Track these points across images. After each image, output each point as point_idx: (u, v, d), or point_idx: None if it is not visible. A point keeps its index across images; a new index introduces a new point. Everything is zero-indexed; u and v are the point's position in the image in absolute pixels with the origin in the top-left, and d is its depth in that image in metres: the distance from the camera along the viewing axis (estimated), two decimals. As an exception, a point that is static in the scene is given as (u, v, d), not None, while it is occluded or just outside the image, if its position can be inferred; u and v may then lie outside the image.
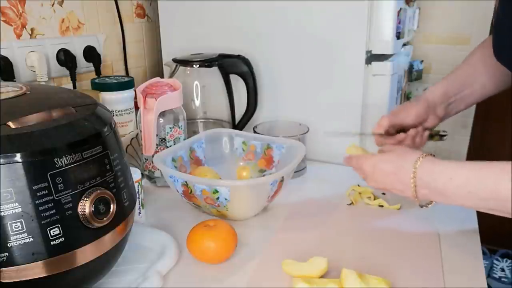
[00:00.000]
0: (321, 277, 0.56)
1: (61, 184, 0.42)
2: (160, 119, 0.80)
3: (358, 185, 0.81)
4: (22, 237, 0.40)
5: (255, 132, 0.91)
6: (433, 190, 0.56)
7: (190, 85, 1.01)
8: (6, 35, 0.87)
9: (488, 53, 0.72)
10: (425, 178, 0.57)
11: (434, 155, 0.58)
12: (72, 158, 0.43)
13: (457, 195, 0.54)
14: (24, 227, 0.40)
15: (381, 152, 0.66)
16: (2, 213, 0.39)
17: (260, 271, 0.59)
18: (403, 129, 0.75)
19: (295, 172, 0.87)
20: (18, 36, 0.89)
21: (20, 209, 0.40)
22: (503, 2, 0.62)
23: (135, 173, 0.65)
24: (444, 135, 0.79)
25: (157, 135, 0.80)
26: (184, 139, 0.85)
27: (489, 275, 1.54)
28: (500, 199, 0.50)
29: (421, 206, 0.65)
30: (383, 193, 0.80)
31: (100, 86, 0.94)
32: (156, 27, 1.21)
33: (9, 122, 0.41)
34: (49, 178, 0.41)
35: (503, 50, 0.64)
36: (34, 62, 0.88)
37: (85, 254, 0.45)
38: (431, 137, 0.77)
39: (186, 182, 0.69)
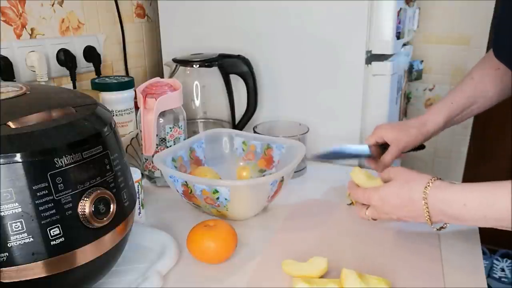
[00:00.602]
0: (321, 277, 0.56)
1: (61, 184, 0.42)
2: (160, 119, 0.80)
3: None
4: (22, 237, 0.40)
5: (255, 132, 0.91)
6: (448, 216, 0.56)
7: (190, 85, 1.01)
8: (6, 35, 0.87)
9: (490, 65, 0.73)
10: (438, 206, 0.56)
11: (440, 178, 0.57)
12: (72, 158, 0.43)
13: (473, 219, 0.53)
14: (24, 227, 0.40)
15: (384, 178, 0.65)
16: (2, 213, 0.39)
17: (260, 271, 0.59)
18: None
19: (295, 172, 0.87)
20: (18, 36, 0.89)
21: (20, 209, 0.40)
22: (503, 2, 0.62)
23: (135, 173, 0.65)
24: (423, 147, 0.79)
25: (157, 135, 0.80)
26: (184, 139, 0.85)
27: (489, 275, 1.54)
28: None
29: (438, 229, 0.63)
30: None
31: (100, 86, 0.94)
32: (156, 27, 1.21)
33: (9, 122, 0.41)
34: (49, 178, 0.41)
35: (503, 49, 0.65)
36: (34, 62, 0.88)
37: (85, 254, 0.45)
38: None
39: (186, 182, 0.69)
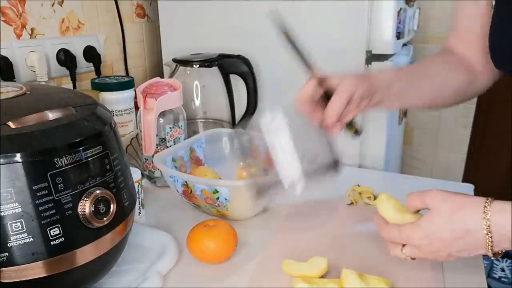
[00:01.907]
0: (321, 277, 0.56)
1: (61, 184, 0.42)
2: (160, 119, 0.80)
3: (358, 185, 0.81)
4: (22, 237, 0.40)
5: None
6: None
7: (190, 85, 1.01)
8: (6, 35, 0.86)
9: (449, 56, 0.70)
10: (502, 233, 0.47)
11: (492, 199, 0.49)
12: (72, 158, 0.43)
13: None
14: (24, 227, 0.40)
15: (414, 206, 0.53)
16: (2, 213, 0.39)
17: (260, 271, 0.59)
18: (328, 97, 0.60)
19: (295, 172, 0.87)
20: (18, 36, 0.89)
21: (20, 209, 0.40)
22: (499, 5, 0.61)
23: (135, 173, 0.65)
24: (360, 132, 0.64)
25: (157, 135, 0.80)
26: (184, 139, 0.85)
27: (489, 275, 1.54)
28: None
29: (495, 256, 0.51)
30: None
31: (100, 86, 0.94)
32: (156, 27, 1.21)
33: (9, 122, 0.41)
34: (49, 178, 0.41)
35: (498, 51, 0.62)
36: (34, 62, 0.88)
37: (85, 254, 0.45)
38: (348, 126, 0.63)
39: (186, 182, 0.69)
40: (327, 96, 0.60)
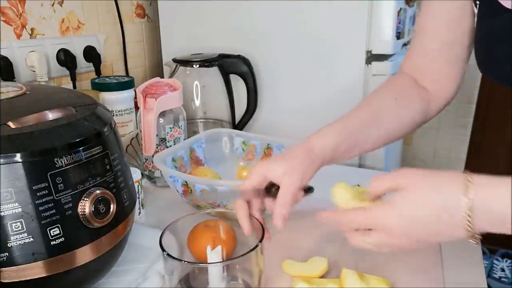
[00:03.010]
0: (321, 277, 0.56)
1: (61, 184, 0.42)
2: (160, 119, 0.80)
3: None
4: (22, 237, 0.40)
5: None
6: (497, 220, 0.41)
7: (190, 85, 1.01)
8: (6, 35, 0.87)
9: (388, 93, 0.64)
10: (484, 209, 0.41)
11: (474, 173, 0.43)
12: (72, 158, 0.43)
13: None
14: (24, 227, 0.40)
15: (383, 189, 0.47)
16: (2, 213, 0.39)
17: (260, 271, 0.59)
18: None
19: (295, 172, 0.87)
20: (18, 36, 0.89)
21: (20, 209, 0.40)
22: (482, 17, 0.55)
23: (135, 173, 0.65)
24: (312, 190, 0.61)
25: (157, 135, 0.80)
26: (184, 139, 0.85)
27: (489, 275, 1.54)
28: None
29: (477, 243, 0.44)
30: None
31: (100, 86, 0.94)
32: (156, 27, 1.21)
33: (9, 122, 0.41)
34: (49, 178, 0.41)
35: (491, 63, 0.57)
36: (34, 62, 0.88)
37: (85, 254, 0.45)
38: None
39: (186, 182, 0.69)
40: (271, 186, 0.57)
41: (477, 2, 0.55)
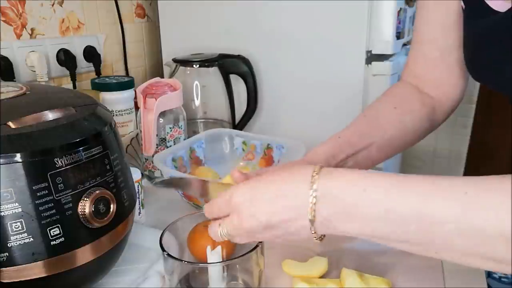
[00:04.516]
0: (321, 277, 0.56)
1: (61, 184, 0.42)
2: (160, 119, 0.80)
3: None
4: (22, 237, 0.40)
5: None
6: (339, 209, 0.38)
7: (190, 85, 1.01)
8: (6, 35, 0.87)
9: (386, 103, 0.63)
10: (327, 193, 0.39)
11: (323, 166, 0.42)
12: (72, 158, 0.43)
13: (369, 214, 0.37)
14: (24, 227, 0.40)
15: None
16: (2, 213, 0.39)
17: (260, 271, 0.59)
18: None
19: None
20: (18, 36, 0.90)
21: (20, 209, 0.40)
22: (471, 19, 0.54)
23: (135, 173, 0.65)
24: None
25: (157, 135, 0.80)
26: (184, 139, 0.85)
27: (489, 275, 1.54)
28: (426, 222, 0.35)
29: (319, 239, 0.42)
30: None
31: (100, 86, 0.94)
32: (156, 27, 1.21)
33: (9, 122, 0.41)
34: (49, 178, 0.41)
35: (479, 66, 0.56)
36: (34, 62, 0.88)
37: (85, 254, 0.45)
38: None
39: (186, 182, 0.68)
40: None
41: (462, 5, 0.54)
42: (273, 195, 0.41)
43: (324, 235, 0.42)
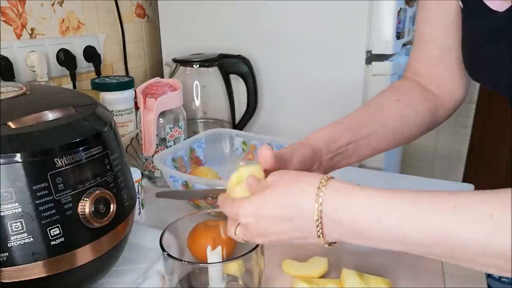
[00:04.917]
0: (321, 277, 0.56)
1: (61, 184, 0.42)
2: (160, 119, 0.80)
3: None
4: (22, 237, 0.40)
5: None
6: (350, 232, 0.39)
7: (190, 85, 1.01)
8: (6, 35, 0.87)
9: (389, 95, 0.63)
10: (336, 218, 0.38)
11: (333, 178, 0.41)
12: (72, 158, 0.43)
13: (387, 238, 0.37)
14: (24, 227, 0.40)
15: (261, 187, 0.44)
16: (2, 213, 0.39)
17: (260, 271, 0.59)
18: None
19: (295, 172, 0.87)
20: (18, 36, 0.90)
21: (20, 209, 0.40)
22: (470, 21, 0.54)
23: (135, 173, 0.65)
24: None
25: (157, 135, 0.80)
26: (184, 139, 0.85)
27: (489, 275, 1.54)
28: (449, 244, 0.34)
29: (329, 245, 0.42)
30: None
31: (100, 86, 0.94)
32: (156, 27, 1.21)
33: (9, 122, 0.41)
34: (49, 178, 0.41)
35: (477, 66, 0.56)
36: (34, 62, 0.88)
37: (85, 254, 0.45)
38: None
39: (186, 182, 0.69)
40: None
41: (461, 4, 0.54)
42: (279, 218, 0.40)
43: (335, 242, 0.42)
